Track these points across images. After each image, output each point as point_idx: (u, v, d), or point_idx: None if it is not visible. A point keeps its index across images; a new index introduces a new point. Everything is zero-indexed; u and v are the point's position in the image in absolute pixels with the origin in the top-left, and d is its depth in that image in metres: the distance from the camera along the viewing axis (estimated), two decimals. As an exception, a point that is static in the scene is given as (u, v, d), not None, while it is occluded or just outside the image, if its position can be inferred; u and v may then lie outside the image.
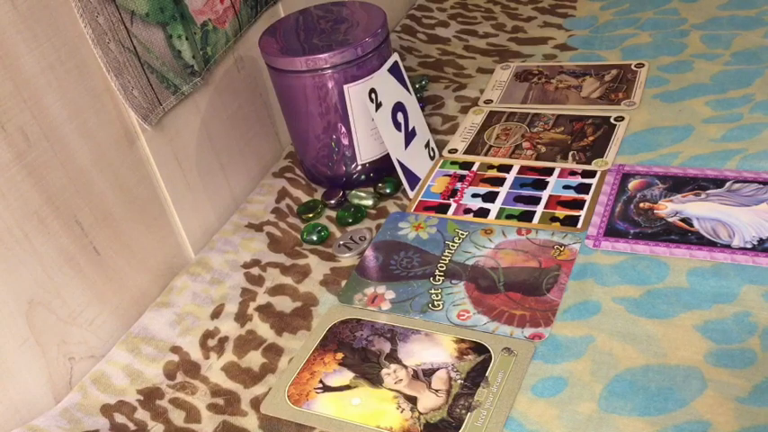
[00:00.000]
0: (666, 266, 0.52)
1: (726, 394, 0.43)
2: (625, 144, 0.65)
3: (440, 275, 0.56)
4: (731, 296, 0.49)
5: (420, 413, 0.47)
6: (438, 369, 0.49)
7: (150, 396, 0.51)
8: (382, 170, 0.67)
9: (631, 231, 0.56)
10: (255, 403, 0.50)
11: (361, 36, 0.61)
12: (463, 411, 0.46)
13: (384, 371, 0.50)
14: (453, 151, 0.69)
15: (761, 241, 0.53)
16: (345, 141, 0.65)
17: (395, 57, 0.64)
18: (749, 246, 0.52)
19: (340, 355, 0.52)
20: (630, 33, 0.82)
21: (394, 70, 0.64)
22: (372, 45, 0.61)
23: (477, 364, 0.49)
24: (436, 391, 0.48)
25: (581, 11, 0.89)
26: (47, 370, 0.50)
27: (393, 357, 0.51)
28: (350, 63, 0.61)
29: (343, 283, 0.58)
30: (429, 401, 0.47)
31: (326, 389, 0.50)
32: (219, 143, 0.66)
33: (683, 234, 0.55)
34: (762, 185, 0.57)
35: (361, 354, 0.51)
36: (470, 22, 0.92)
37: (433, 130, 0.72)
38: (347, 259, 0.60)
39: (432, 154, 0.68)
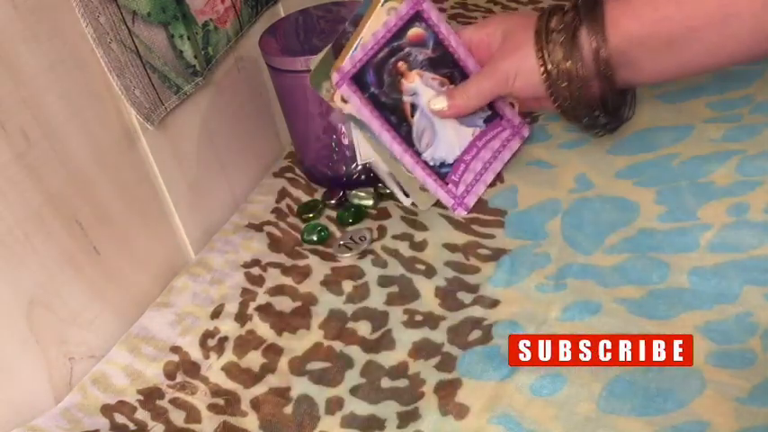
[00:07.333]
0: (667, 266, 0.52)
1: (725, 395, 0.43)
2: (625, 144, 0.65)
3: None
4: (732, 296, 0.49)
5: None
6: None
7: (150, 396, 0.51)
8: (382, 170, 0.67)
9: (371, 90, 0.54)
10: (255, 403, 0.50)
11: (362, 36, 0.61)
12: None
13: None
14: None
15: (442, 164, 0.53)
16: (345, 141, 0.65)
17: (395, 57, 0.64)
18: (432, 163, 0.53)
19: None
20: (631, 33, 0.82)
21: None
22: (373, 45, 0.61)
23: None
24: None
25: (581, 11, 0.89)
26: (47, 370, 0.50)
27: None
28: (350, 63, 0.61)
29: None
30: None
31: None
32: (220, 143, 0.66)
33: (401, 121, 0.55)
34: (488, 109, 0.58)
35: None
36: (470, 22, 0.92)
37: (433, 131, 0.72)
38: (347, 259, 0.60)
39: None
